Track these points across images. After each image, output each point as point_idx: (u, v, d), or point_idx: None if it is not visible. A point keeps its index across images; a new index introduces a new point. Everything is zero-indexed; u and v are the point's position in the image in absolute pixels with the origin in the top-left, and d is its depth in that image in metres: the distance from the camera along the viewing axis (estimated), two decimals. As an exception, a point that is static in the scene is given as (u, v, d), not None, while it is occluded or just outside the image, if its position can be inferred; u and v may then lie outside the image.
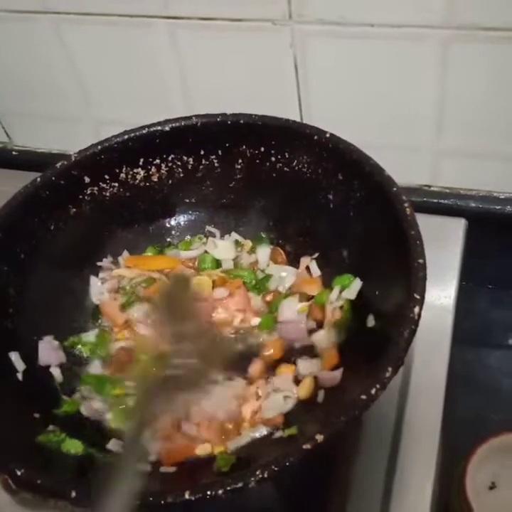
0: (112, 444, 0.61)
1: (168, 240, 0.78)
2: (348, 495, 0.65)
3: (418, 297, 0.53)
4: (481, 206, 0.88)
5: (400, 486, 0.66)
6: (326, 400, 0.61)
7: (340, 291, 0.67)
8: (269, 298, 0.72)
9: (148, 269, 0.74)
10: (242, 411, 0.63)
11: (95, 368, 0.69)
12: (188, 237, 0.78)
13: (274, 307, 0.70)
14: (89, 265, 0.74)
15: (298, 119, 0.88)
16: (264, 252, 0.75)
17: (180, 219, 0.78)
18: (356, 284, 0.66)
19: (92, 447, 0.59)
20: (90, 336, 0.71)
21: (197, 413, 0.63)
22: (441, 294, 0.79)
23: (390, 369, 0.50)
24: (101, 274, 0.75)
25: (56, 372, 0.67)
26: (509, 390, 0.91)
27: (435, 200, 0.90)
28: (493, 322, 0.97)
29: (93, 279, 0.74)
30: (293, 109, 0.87)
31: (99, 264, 0.75)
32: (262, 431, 0.62)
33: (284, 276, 0.73)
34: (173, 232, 0.78)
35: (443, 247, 0.82)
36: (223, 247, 0.76)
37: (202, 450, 0.61)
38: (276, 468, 0.47)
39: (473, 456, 0.78)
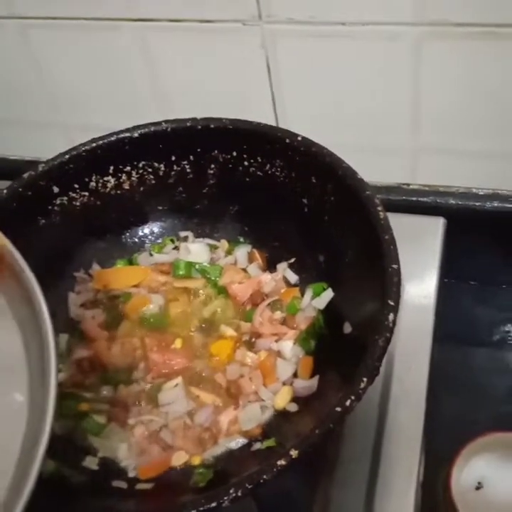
0: (88, 462, 0.60)
1: (142, 248, 0.76)
2: (329, 503, 0.64)
3: (392, 304, 0.52)
4: (460, 203, 0.87)
5: (382, 492, 0.65)
6: (304, 410, 0.60)
7: (312, 299, 0.66)
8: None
9: (119, 288, 0.72)
10: (219, 420, 0.62)
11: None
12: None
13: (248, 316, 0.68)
14: (62, 277, 0.72)
15: (273, 121, 0.86)
16: (241, 252, 0.74)
17: (154, 227, 0.76)
18: (327, 294, 0.65)
19: (65, 465, 0.57)
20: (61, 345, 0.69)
21: (173, 421, 0.62)
22: (420, 295, 0.78)
23: (365, 379, 0.49)
24: (76, 288, 0.73)
25: None
26: (494, 388, 0.90)
27: (414, 198, 0.88)
28: (476, 319, 0.96)
29: (71, 296, 0.73)
30: (267, 111, 0.85)
31: (75, 274, 0.73)
32: (240, 441, 0.61)
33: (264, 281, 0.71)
34: (146, 240, 0.76)
35: (422, 247, 0.81)
36: (196, 250, 0.74)
37: (178, 460, 0.60)
38: (250, 486, 0.46)
39: (458, 457, 0.77)
